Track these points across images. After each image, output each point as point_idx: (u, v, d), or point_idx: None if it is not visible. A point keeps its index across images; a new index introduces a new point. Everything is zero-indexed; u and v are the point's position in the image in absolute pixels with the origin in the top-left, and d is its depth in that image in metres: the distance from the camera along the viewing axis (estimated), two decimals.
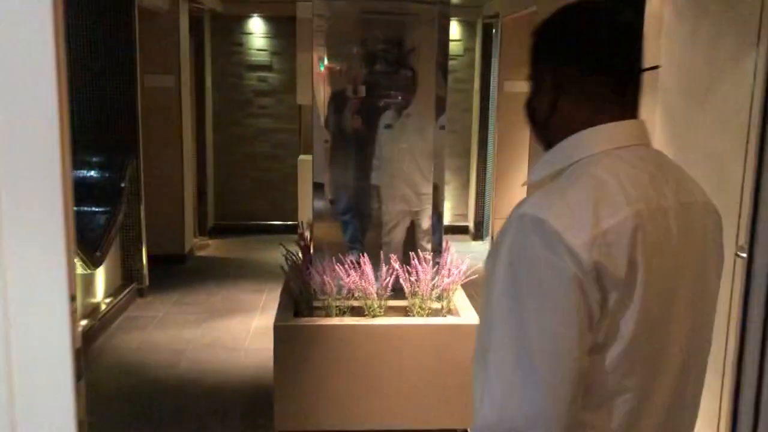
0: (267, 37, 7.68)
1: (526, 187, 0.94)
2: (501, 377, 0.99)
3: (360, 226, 4.27)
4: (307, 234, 3.84)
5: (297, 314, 3.32)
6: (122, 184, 5.04)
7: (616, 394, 1.04)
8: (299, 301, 3.33)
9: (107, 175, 5.08)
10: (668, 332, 1.06)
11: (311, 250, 3.53)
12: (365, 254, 3.38)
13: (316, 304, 3.32)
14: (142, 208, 5.43)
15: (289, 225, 7.46)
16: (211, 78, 7.60)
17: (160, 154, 6.23)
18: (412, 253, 3.36)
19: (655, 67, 1.19)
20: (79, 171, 5.05)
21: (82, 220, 4.82)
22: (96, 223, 4.84)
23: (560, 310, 0.97)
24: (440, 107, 3.18)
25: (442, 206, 3.54)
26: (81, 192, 4.96)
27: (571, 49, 1.08)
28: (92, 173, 5.07)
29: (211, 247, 7.31)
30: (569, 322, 0.97)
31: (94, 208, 4.92)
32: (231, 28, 7.64)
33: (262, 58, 7.69)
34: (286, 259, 3.49)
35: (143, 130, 5.57)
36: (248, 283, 5.95)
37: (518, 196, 5.94)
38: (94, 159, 5.12)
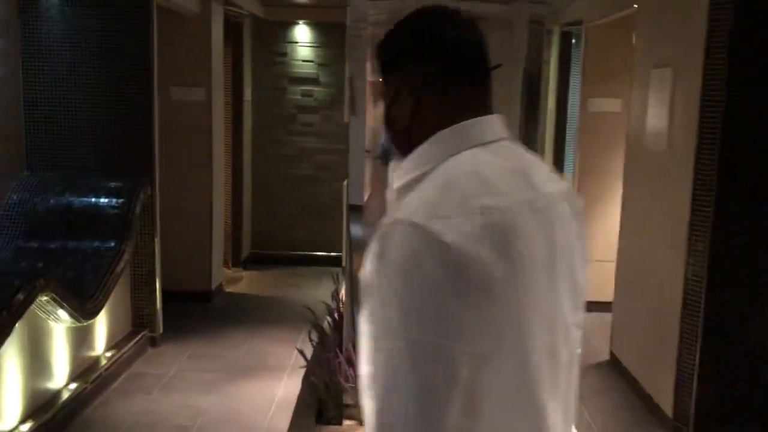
0: (314, 47, 6.86)
1: (393, 197, 0.97)
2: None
3: None
4: (342, 294, 2.96)
5: (321, 416, 2.42)
6: (130, 215, 4.24)
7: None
8: (325, 398, 2.42)
9: (115, 202, 4.29)
10: (534, 329, 0.99)
11: (344, 322, 2.63)
12: None
13: (347, 401, 2.41)
14: (157, 241, 4.62)
15: (333, 256, 6.62)
16: (251, 91, 6.82)
17: (187, 176, 5.45)
18: None
19: (499, 66, 1.06)
20: (82, 198, 4.28)
21: (80, 259, 4.03)
22: (98, 263, 4.05)
23: (441, 318, 0.90)
24: (530, 135, 2.24)
25: None
26: (82, 224, 4.18)
27: (431, 50, 1.07)
28: (98, 201, 4.29)
29: (245, 281, 6.49)
30: (451, 331, 0.90)
31: (97, 244, 4.14)
32: (274, 36, 6.85)
33: (308, 69, 6.88)
34: (310, 337, 2.59)
35: (169, 148, 4.82)
36: (281, 329, 5.08)
37: (610, 236, 4.84)
38: (102, 184, 4.35)
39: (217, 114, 5.67)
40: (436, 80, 1.05)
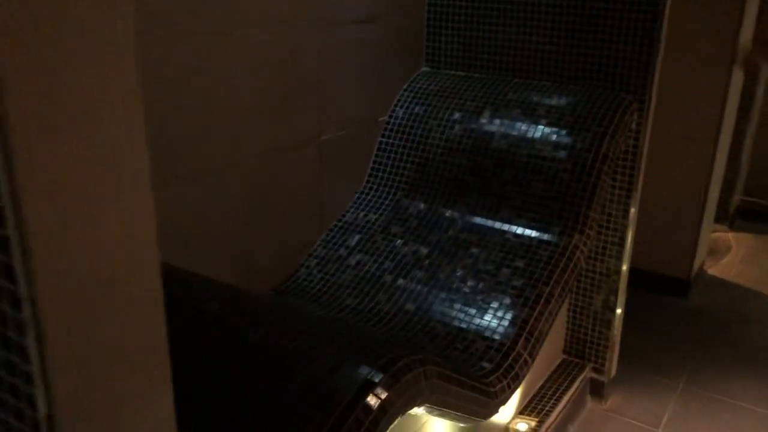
0: None
1: None
2: None
3: None
4: None
5: None
6: (595, 161, 2.13)
7: None
8: None
9: (565, 142, 2.22)
10: None
11: None
12: None
13: None
14: (632, 217, 2.46)
15: None
16: None
17: (676, 95, 3.13)
18: None
19: None
20: (512, 126, 2.30)
21: (496, 250, 2.10)
22: (530, 260, 2.08)
23: None
24: None
25: None
26: (509, 180, 2.22)
27: None
28: (539, 134, 2.26)
29: (733, 253, 4.01)
30: None
31: (528, 232, 2.15)
32: None
33: None
34: None
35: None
36: None
37: None
38: (540, 100, 2.29)
39: None
40: None
